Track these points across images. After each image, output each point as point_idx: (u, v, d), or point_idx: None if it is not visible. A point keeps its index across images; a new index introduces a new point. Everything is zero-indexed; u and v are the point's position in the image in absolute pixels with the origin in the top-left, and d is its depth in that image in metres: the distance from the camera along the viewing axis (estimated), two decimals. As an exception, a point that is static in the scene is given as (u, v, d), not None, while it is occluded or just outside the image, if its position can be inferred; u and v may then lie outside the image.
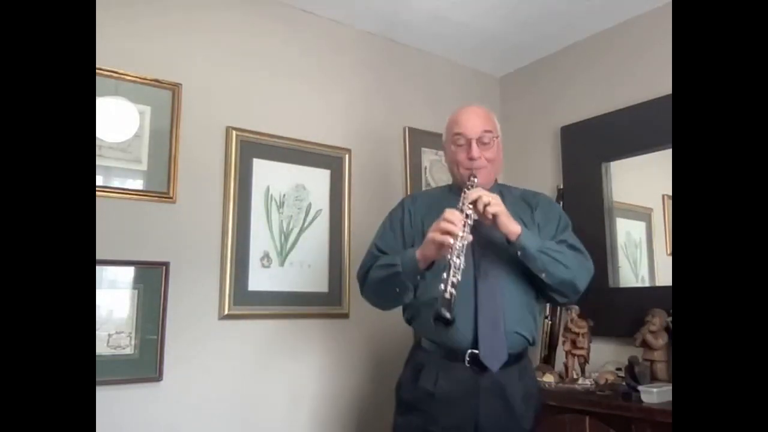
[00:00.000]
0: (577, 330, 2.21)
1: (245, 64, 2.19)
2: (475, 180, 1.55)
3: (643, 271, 2.36)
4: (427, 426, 1.49)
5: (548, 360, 2.47)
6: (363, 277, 1.65)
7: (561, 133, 2.64)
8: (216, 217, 2.05)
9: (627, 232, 2.42)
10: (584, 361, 2.21)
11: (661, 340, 2.03)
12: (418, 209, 1.68)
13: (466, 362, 1.47)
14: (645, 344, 2.05)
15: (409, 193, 2.56)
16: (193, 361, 1.94)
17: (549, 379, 2.15)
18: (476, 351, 1.46)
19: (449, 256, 1.35)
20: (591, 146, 2.50)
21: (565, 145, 2.62)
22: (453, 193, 1.63)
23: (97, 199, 1.75)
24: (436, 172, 2.71)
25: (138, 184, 1.91)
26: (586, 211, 2.49)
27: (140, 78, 1.93)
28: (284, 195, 2.22)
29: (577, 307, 2.26)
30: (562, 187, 2.62)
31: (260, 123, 2.18)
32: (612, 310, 2.31)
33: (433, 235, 1.41)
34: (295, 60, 2.33)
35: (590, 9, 2.38)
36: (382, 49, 2.61)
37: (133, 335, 1.82)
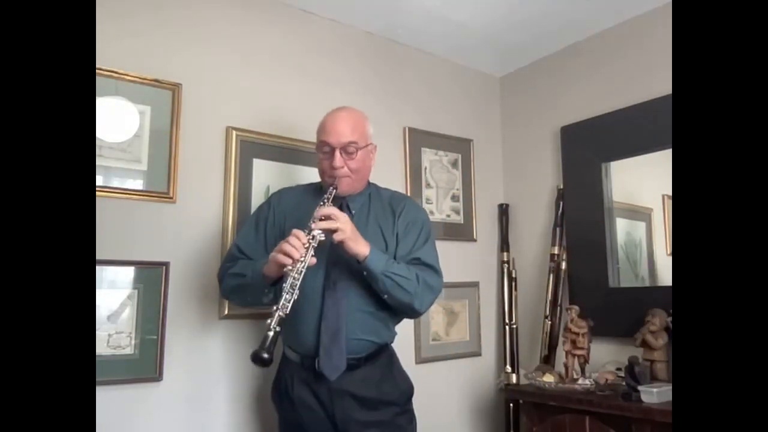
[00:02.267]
0: (577, 330, 2.21)
1: (245, 64, 2.19)
2: (333, 192, 1.56)
3: (643, 271, 2.36)
4: (296, 430, 1.61)
5: (548, 360, 2.48)
6: (220, 279, 1.70)
7: (561, 133, 2.64)
8: (216, 217, 2.05)
9: (627, 232, 2.42)
10: (584, 361, 2.21)
11: (661, 340, 2.03)
12: (283, 206, 1.70)
13: (317, 368, 1.53)
14: (645, 344, 2.05)
15: (409, 193, 2.57)
16: (193, 361, 1.94)
17: (549, 379, 2.15)
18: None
19: (283, 284, 1.39)
20: (591, 146, 2.50)
21: (565, 145, 2.62)
22: (319, 197, 1.62)
23: (97, 199, 1.75)
24: (435, 172, 2.71)
25: (138, 184, 1.90)
26: (586, 211, 2.49)
27: (140, 78, 1.93)
28: (284, 195, 2.22)
29: (577, 307, 2.27)
30: (562, 187, 2.62)
31: (260, 123, 2.18)
32: (612, 310, 2.31)
33: (274, 255, 1.43)
34: (295, 60, 2.33)
35: (590, 9, 2.38)
36: (382, 49, 2.61)
37: (133, 335, 1.82)
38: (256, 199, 2.14)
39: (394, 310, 1.61)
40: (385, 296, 1.54)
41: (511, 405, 2.55)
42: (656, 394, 1.77)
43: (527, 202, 2.83)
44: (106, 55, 1.84)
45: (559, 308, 2.51)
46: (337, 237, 1.45)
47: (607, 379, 2.07)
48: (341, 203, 1.63)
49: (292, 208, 1.68)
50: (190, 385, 1.92)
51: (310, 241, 1.42)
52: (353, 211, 1.65)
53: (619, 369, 2.10)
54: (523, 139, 2.90)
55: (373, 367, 1.59)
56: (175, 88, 1.99)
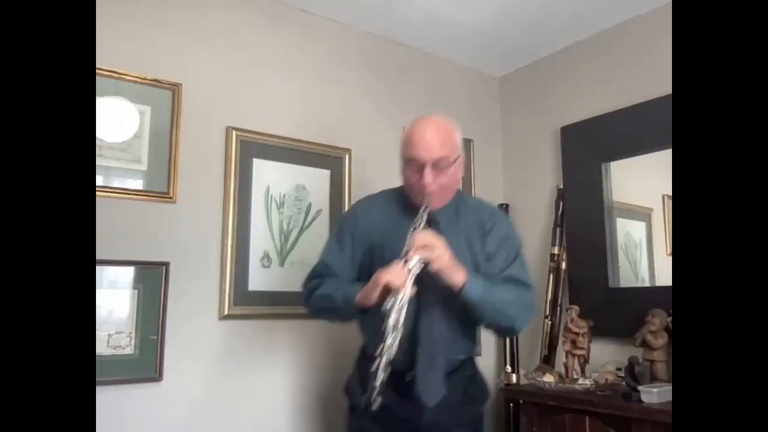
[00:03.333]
0: (577, 330, 2.21)
1: (245, 64, 2.19)
2: (424, 215, 1.46)
3: (643, 271, 2.36)
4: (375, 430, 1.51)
5: (548, 360, 2.48)
6: (305, 297, 1.62)
7: (561, 133, 2.64)
8: (216, 217, 2.05)
9: (627, 232, 2.42)
10: (584, 361, 2.21)
11: (661, 340, 2.03)
12: (370, 220, 1.60)
13: (414, 393, 1.46)
14: (645, 344, 2.05)
15: (409, 193, 2.55)
16: (193, 361, 1.94)
17: (549, 379, 2.15)
18: (414, 373, 1.45)
19: (383, 325, 1.31)
20: (591, 146, 2.50)
21: (565, 145, 2.62)
22: (405, 210, 1.56)
23: (97, 199, 1.75)
24: (436, 172, 2.71)
25: (138, 184, 1.91)
26: (586, 211, 2.49)
27: (140, 78, 1.93)
28: (284, 195, 2.22)
29: (577, 307, 2.27)
30: (562, 187, 2.62)
31: (260, 123, 2.18)
32: (612, 310, 2.31)
33: (373, 291, 1.37)
34: (295, 60, 2.33)
35: (590, 9, 2.38)
36: (382, 49, 2.61)
37: (133, 335, 1.82)
38: (256, 199, 2.14)
39: (488, 328, 1.57)
40: (483, 322, 1.50)
41: (511, 405, 2.55)
42: (656, 394, 1.77)
43: (527, 202, 2.83)
44: (106, 55, 1.84)
45: (559, 308, 2.51)
46: (434, 266, 1.37)
47: (607, 379, 2.07)
48: (429, 220, 1.51)
49: (379, 222, 1.59)
50: (190, 385, 1.92)
51: (408, 271, 1.34)
52: (441, 224, 1.53)
53: (619, 369, 2.10)
54: (523, 139, 2.90)
55: (458, 374, 1.55)
56: (175, 88, 1.99)
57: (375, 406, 1.28)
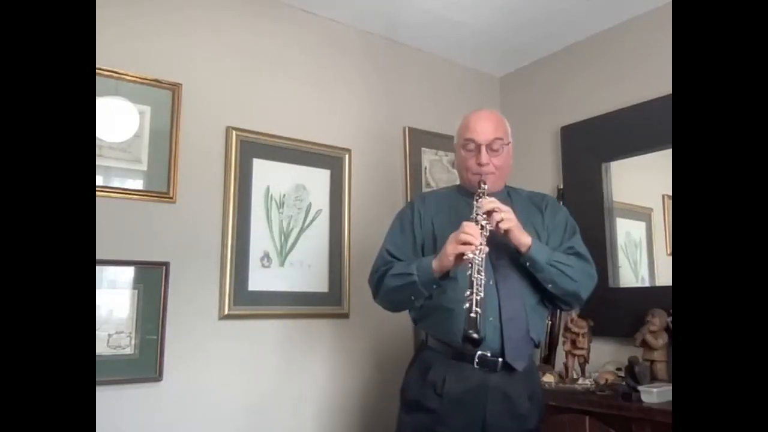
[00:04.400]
0: (577, 330, 2.21)
1: (245, 64, 2.19)
2: (485, 187, 1.56)
3: (643, 271, 2.36)
4: (435, 426, 1.50)
5: (548, 360, 2.47)
6: (377, 283, 1.63)
7: (561, 133, 2.64)
8: (216, 217, 2.05)
9: (627, 232, 2.42)
10: (584, 361, 2.21)
11: (661, 340, 2.03)
12: (427, 209, 1.67)
13: (475, 363, 1.48)
14: (645, 344, 2.05)
15: (409, 193, 2.56)
16: (193, 361, 1.94)
17: (549, 379, 2.15)
18: (485, 353, 1.48)
19: (469, 272, 1.36)
20: (591, 146, 2.50)
21: (565, 145, 2.62)
22: (462, 195, 1.65)
23: (97, 199, 1.75)
24: (436, 172, 2.71)
25: (138, 184, 1.91)
26: (586, 211, 2.48)
27: (140, 78, 1.93)
28: (284, 195, 2.22)
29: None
30: (562, 187, 2.62)
31: (260, 123, 2.18)
32: (612, 310, 2.31)
33: (452, 247, 1.42)
34: (295, 60, 2.33)
35: (590, 9, 2.38)
36: (382, 49, 2.61)
37: (133, 335, 1.82)
38: (256, 199, 2.14)
39: (554, 301, 1.59)
40: (549, 285, 1.52)
41: (511, 405, 2.55)
42: (656, 394, 1.77)
43: (527, 202, 2.83)
44: (106, 55, 1.84)
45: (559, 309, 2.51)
46: (504, 225, 1.45)
47: (607, 379, 2.07)
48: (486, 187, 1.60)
49: (437, 210, 1.66)
50: (190, 385, 1.92)
51: (481, 231, 1.41)
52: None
53: (619, 369, 2.10)
54: (523, 139, 2.89)
55: (525, 374, 1.54)
56: (175, 88, 1.99)
57: (476, 336, 1.28)
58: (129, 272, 1.85)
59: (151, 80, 1.95)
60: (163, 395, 1.86)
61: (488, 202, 1.47)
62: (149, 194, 1.91)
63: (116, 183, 1.86)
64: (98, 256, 1.69)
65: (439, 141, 2.73)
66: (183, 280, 1.94)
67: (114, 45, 1.89)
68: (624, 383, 1.94)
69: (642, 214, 2.39)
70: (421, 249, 1.63)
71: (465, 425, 1.48)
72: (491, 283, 1.49)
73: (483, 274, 1.36)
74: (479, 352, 1.47)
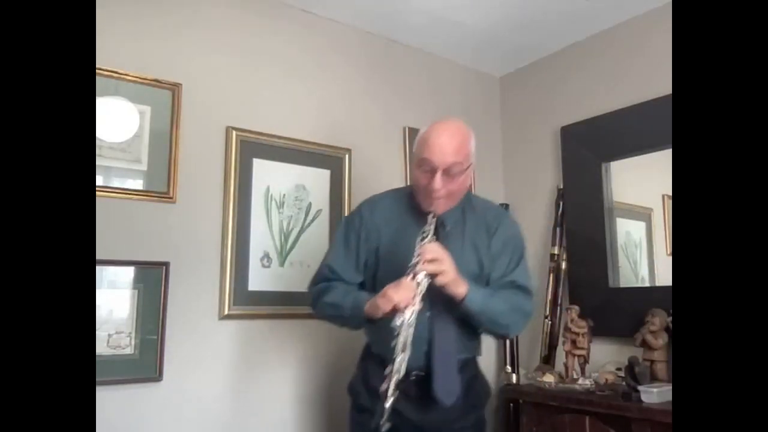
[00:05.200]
0: (577, 330, 2.21)
1: (245, 64, 2.19)
2: (434, 220, 1.48)
3: (643, 271, 2.36)
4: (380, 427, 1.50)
5: (548, 360, 2.48)
6: (313, 300, 1.63)
7: (561, 133, 2.64)
8: (216, 217, 2.05)
9: (627, 232, 2.42)
10: (584, 361, 2.21)
11: (661, 340, 2.03)
12: (376, 221, 1.60)
13: (431, 392, 1.47)
14: (645, 344, 2.05)
15: (409, 193, 2.56)
16: (193, 361, 1.94)
17: (549, 379, 2.15)
18: (422, 373, 1.47)
19: (394, 343, 1.31)
20: (591, 146, 2.50)
21: (565, 145, 2.62)
22: (413, 212, 1.57)
23: (97, 199, 1.75)
24: (436, 172, 2.71)
25: (138, 184, 1.91)
26: (586, 211, 2.49)
27: (140, 78, 1.93)
28: (284, 195, 2.22)
29: (577, 307, 2.27)
30: (562, 187, 2.62)
31: (260, 123, 2.18)
32: (612, 310, 2.31)
33: (385, 304, 1.36)
34: (295, 60, 2.33)
35: (590, 9, 2.38)
36: (382, 49, 2.61)
37: (133, 335, 1.82)
38: (256, 199, 2.14)
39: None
40: (480, 328, 1.55)
41: (511, 405, 2.55)
42: (656, 394, 1.77)
43: (527, 202, 2.83)
44: (106, 55, 1.84)
45: (559, 308, 2.51)
46: (440, 280, 1.38)
47: (607, 379, 2.07)
48: (435, 223, 1.52)
49: (385, 222, 1.59)
50: (190, 385, 1.92)
51: (417, 285, 1.35)
52: (447, 227, 1.55)
53: (619, 369, 2.10)
54: (523, 139, 2.90)
55: (461, 377, 1.55)
56: (175, 88, 1.99)
57: (384, 429, 1.26)
58: (129, 272, 1.85)
59: (151, 80, 1.94)
60: (163, 395, 1.86)
61: (430, 251, 1.38)
62: (149, 194, 1.91)
63: (116, 183, 1.86)
64: (98, 256, 1.69)
65: (439, 141, 2.73)
66: (183, 280, 1.94)
67: (114, 45, 1.89)
68: (624, 383, 1.94)
69: (642, 214, 2.39)
70: (363, 267, 1.60)
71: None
72: (427, 314, 1.45)
73: (410, 344, 1.32)
74: (414, 372, 1.45)
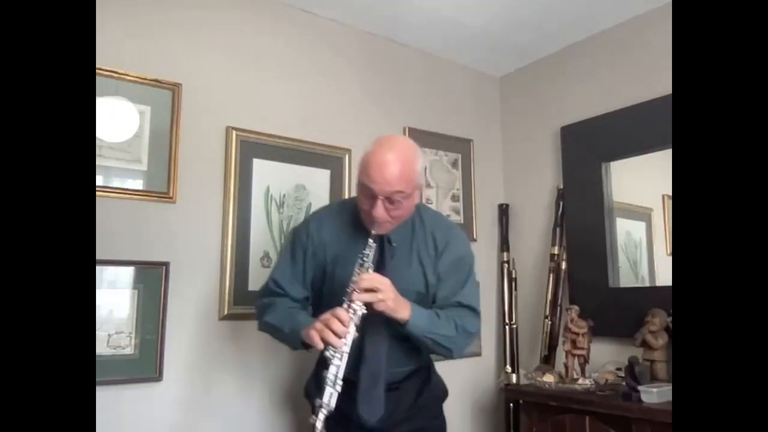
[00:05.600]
0: (577, 330, 2.21)
1: (245, 64, 2.19)
2: (374, 245, 1.43)
3: (643, 271, 2.36)
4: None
5: (548, 360, 2.48)
6: (257, 314, 1.62)
7: (561, 133, 2.64)
8: (216, 217, 2.05)
9: (627, 232, 2.42)
10: (584, 361, 2.21)
11: (661, 340, 2.03)
12: (323, 237, 1.57)
13: (356, 411, 1.47)
14: (645, 344, 2.05)
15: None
16: (193, 361, 1.94)
17: (549, 379, 2.15)
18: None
19: (325, 372, 1.32)
20: (591, 146, 2.50)
21: (565, 145, 2.62)
22: (360, 227, 1.52)
23: (97, 199, 1.75)
24: (436, 172, 2.71)
25: (138, 184, 1.91)
26: (586, 211, 2.49)
27: (140, 78, 1.93)
28: (284, 195, 2.22)
29: (577, 307, 2.27)
30: (562, 187, 2.62)
31: (260, 123, 2.18)
32: (612, 310, 2.31)
33: (313, 336, 1.34)
34: (296, 60, 2.33)
35: (590, 9, 2.38)
36: (382, 49, 2.61)
37: (133, 335, 1.82)
38: (256, 199, 2.14)
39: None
40: (424, 349, 1.55)
41: (511, 405, 2.55)
42: (656, 394, 1.77)
43: (527, 202, 2.83)
44: (106, 55, 1.84)
45: (559, 308, 2.51)
46: (378, 307, 1.37)
47: (607, 379, 2.07)
48: (382, 237, 1.50)
49: (331, 237, 1.57)
50: (190, 385, 1.92)
51: (352, 317, 1.33)
52: (394, 244, 1.53)
53: (619, 369, 2.10)
54: (523, 139, 2.90)
55: (411, 383, 1.57)
56: (175, 88, 1.99)
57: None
58: (129, 272, 1.85)
59: (151, 80, 1.94)
60: (163, 395, 1.86)
61: (367, 280, 1.35)
62: (149, 194, 1.91)
63: (116, 183, 1.86)
64: (98, 256, 1.69)
65: (439, 141, 2.74)
66: (183, 280, 1.94)
67: (114, 45, 1.89)
68: (624, 383, 1.94)
69: (642, 214, 2.39)
70: (310, 282, 1.59)
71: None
72: (356, 335, 1.38)
73: (341, 378, 1.31)
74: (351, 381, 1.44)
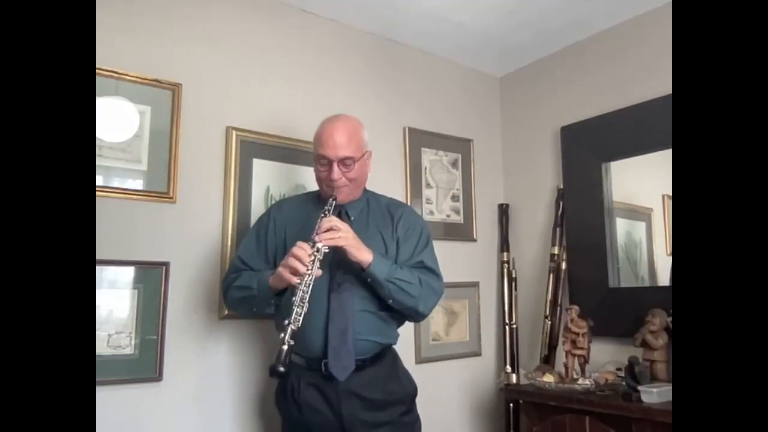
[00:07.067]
0: (577, 330, 2.21)
1: (245, 64, 2.19)
2: (334, 202, 1.60)
3: (643, 271, 2.36)
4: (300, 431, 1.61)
5: (548, 360, 2.48)
6: (225, 291, 1.74)
7: (561, 133, 2.65)
8: (216, 217, 2.05)
9: (627, 232, 2.42)
10: (584, 361, 2.21)
11: (661, 340, 2.03)
12: (283, 217, 1.73)
13: (323, 370, 1.55)
14: (645, 344, 2.05)
15: (409, 193, 2.57)
16: (193, 361, 1.94)
17: (549, 379, 2.15)
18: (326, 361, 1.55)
19: (294, 297, 1.42)
20: (591, 146, 2.50)
21: (565, 145, 2.62)
22: (319, 205, 1.67)
23: (97, 199, 1.75)
24: (435, 172, 2.71)
25: (138, 184, 1.90)
26: (586, 211, 2.49)
27: (140, 78, 1.93)
28: (284, 195, 2.22)
29: (577, 307, 2.27)
30: (562, 187, 2.62)
31: (260, 123, 2.18)
32: (612, 310, 2.31)
33: (281, 270, 1.47)
34: (296, 60, 2.33)
35: (590, 9, 2.38)
36: (382, 49, 2.61)
37: (133, 335, 1.82)
38: (256, 199, 2.14)
39: (398, 312, 1.64)
40: (390, 301, 1.58)
41: (511, 405, 2.55)
42: (656, 394, 1.77)
43: (527, 202, 2.83)
44: (106, 55, 1.84)
45: (559, 308, 2.51)
46: (339, 242, 1.49)
47: (607, 379, 2.07)
48: (340, 210, 1.66)
49: (291, 219, 1.72)
50: (190, 385, 1.92)
51: (315, 253, 1.45)
52: (352, 218, 1.68)
53: (619, 369, 2.10)
54: (523, 139, 2.90)
55: (378, 367, 1.61)
56: (175, 88, 1.99)
57: (281, 369, 1.37)
58: (129, 272, 1.85)
59: (151, 80, 1.94)
60: (163, 395, 1.86)
61: (327, 221, 1.51)
62: (149, 194, 1.91)
63: (116, 183, 1.86)
64: (98, 256, 1.69)
65: (439, 141, 2.74)
66: (183, 280, 1.94)
67: (114, 45, 1.89)
68: (624, 383, 1.94)
69: (642, 214, 2.39)
70: (273, 258, 1.68)
71: (325, 428, 1.57)
72: (324, 293, 1.55)
73: (306, 302, 1.42)
74: (324, 361, 1.54)
